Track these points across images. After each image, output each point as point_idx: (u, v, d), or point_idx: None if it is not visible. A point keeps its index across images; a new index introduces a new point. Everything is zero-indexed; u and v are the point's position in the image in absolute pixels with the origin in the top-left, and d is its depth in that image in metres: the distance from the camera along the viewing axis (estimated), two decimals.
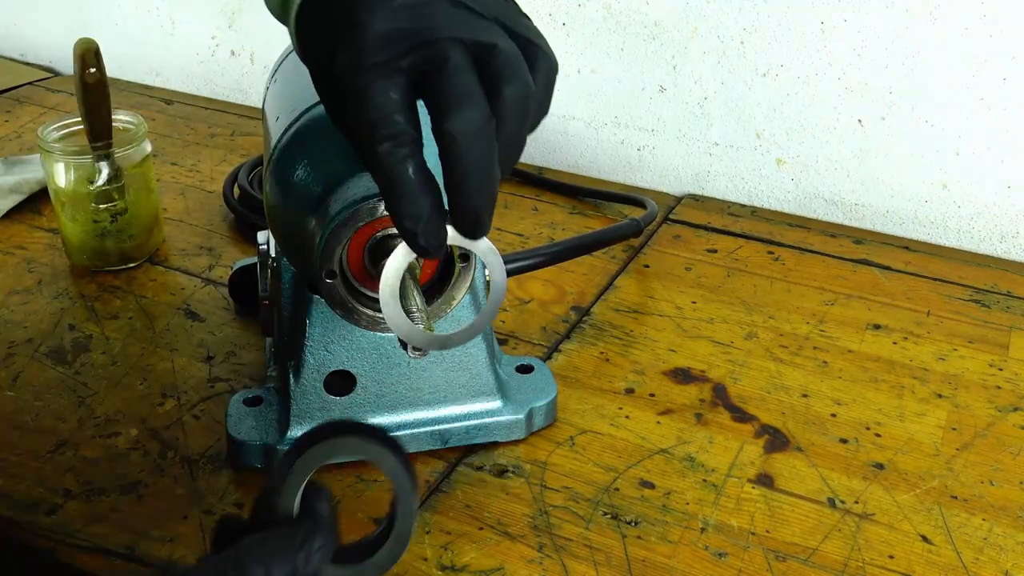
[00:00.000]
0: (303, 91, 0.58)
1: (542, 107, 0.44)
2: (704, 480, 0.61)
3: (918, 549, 0.56)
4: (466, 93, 0.39)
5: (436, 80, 0.40)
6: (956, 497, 0.59)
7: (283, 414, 0.60)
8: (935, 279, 0.84)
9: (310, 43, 0.44)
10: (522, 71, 0.41)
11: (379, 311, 0.53)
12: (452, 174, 0.40)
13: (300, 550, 0.37)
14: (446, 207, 0.42)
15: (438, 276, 0.55)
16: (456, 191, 0.41)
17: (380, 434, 0.39)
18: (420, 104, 0.42)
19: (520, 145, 0.43)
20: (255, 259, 0.73)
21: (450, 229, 0.42)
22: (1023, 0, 0.83)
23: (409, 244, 0.42)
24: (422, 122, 0.41)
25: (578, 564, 0.54)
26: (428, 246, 0.41)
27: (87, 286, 0.82)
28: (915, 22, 0.87)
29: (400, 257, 0.44)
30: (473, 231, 0.42)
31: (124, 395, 0.68)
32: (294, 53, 0.66)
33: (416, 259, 0.49)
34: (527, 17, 0.45)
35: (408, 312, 0.47)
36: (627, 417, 0.66)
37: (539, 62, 0.43)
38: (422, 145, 0.41)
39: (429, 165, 0.41)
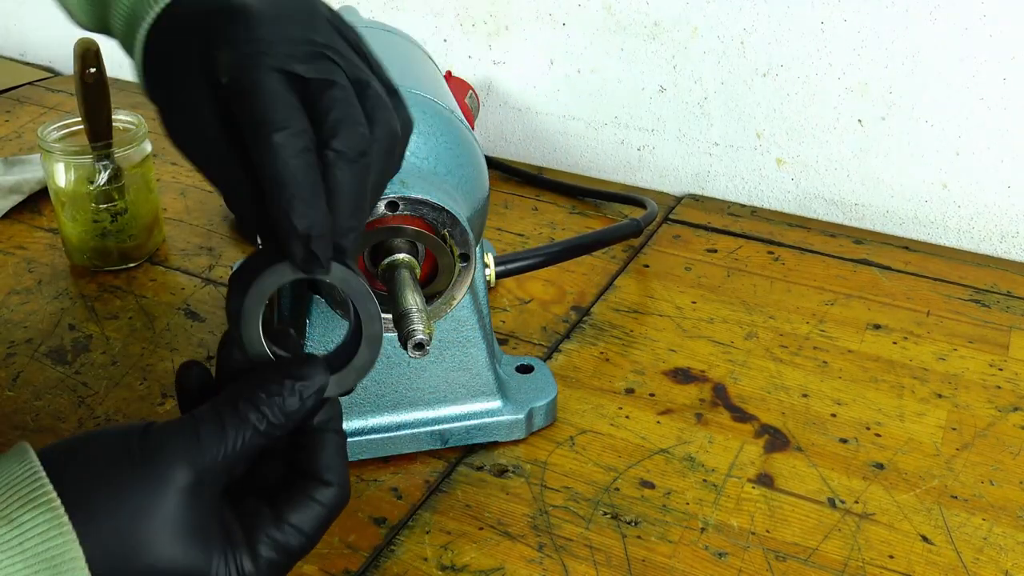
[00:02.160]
0: None
1: (389, 167, 0.42)
2: (704, 480, 0.61)
3: (918, 549, 0.56)
4: (354, 117, 0.38)
5: (326, 95, 0.38)
6: (956, 497, 0.59)
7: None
8: (935, 279, 0.84)
9: (175, 59, 0.41)
10: (356, 119, 0.39)
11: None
12: (334, 194, 0.38)
13: (288, 387, 0.38)
14: None
15: (434, 276, 0.55)
16: (334, 210, 0.38)
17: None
18: None
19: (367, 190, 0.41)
20: None
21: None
22: (1023, 0, 0.83)
23: (293, 253, 0.38)
24: None
25: (578, 564, 0.54)
26: (319, 256, 0.38)
27: (87, 286, 0.82)
28: (915, 22, 0.87)
29: (273, 278, 0.40)
30: (341, 253, 0.40)
31: (124, 395, 0.68)
32: None
33: (407, 258, 0.49)
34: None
35: (407, 312, 0.47)
36: (627, 417, 0.66)
37: (378, 120, 0.40)
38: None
39: None
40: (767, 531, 0.57)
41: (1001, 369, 0.72)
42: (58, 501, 0.33)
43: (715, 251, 0.88)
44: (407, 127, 0.43)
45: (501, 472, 0.61)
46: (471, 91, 1.06)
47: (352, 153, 0.38)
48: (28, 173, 0.97)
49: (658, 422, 0.66)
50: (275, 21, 0.39)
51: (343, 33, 0.42)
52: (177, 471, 0.35)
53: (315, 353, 0.40)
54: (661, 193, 1.01)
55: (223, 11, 0.39)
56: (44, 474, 0.34)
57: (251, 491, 0.40)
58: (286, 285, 0.59)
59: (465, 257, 0.53)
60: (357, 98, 0.39)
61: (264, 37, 0.38)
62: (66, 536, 0.33)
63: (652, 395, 0.68)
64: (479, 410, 0.62)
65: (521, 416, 0.63)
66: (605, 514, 0.58)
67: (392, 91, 0.42)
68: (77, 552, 0.33)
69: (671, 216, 0.95)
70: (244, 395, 0.38)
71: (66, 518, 0.33)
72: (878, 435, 0.65)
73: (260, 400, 0.38)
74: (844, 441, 0.64)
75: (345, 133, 0.38)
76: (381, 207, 0.50)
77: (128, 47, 0.45)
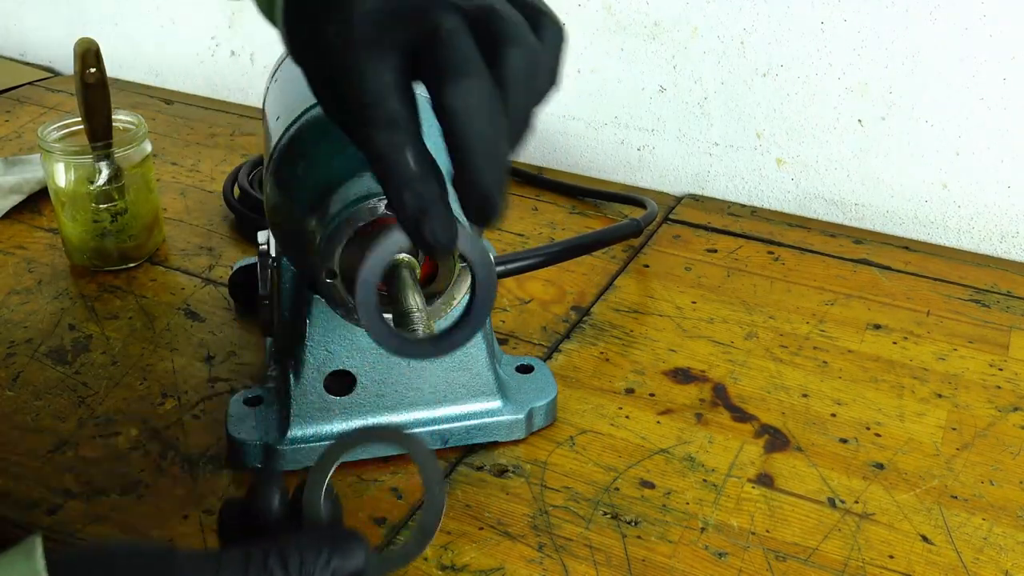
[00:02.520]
0: (303, 91, 0.58)
1: (550, 76, 0.39)
2: (704, 480, 0.61)
3: (918, 549, 0.56)
4: (462, 61, 0.35)
5: (430, 50, 0.36)
6: (956, 497, 0.59)
7: (283, 414, 0.60)
8: (935, 279, 0.84)
9: (296, 31, 0.40)
10: (525, 34, 0.37)
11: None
12: (457, 152, 0.36)
13: (323, 560, 0.36)
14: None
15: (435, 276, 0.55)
16: (462, 170, 0.36)
17: (401, 431, 0.40)
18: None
19: (527, 117, 0.38)
20: (255, 259, 0.73)
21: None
22: (1023, 0, 0.83)
23: (414, 239, 0.37)
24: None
25: (578, 564, 0.54)
26: (435, 240, 0.36)
27: (87, 286, 0.82)
28: (915, 22, 0.87)
29: (386, 248, 0.41)
30: (485, 216, 0.36)
31: (124, 395, 0.68)
32: None
33: (408, 257, 0.49)
34: None
35: (408, 312, 0.47)
36: (627, 417, 0.66)
37: (545, 29, 0.38)
38: (420, 130, 0.37)
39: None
40: (767, 531, 0.57)
41: (1001, 369, 0.72)
42: None
43: (715, 251, 0.88)
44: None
45: (501, 472, 0.61)
46: None
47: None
48: (28, 173, 0.97)
49: (658, 422, 0.66)
50: None
51: None
52: None
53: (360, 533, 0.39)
54: (661, 193, 1.01)
55: None
56: None
57: None
58: (286, 284, 0.59)
59: (464, 257, 0.53)
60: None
61: None
62: None
63: (652, 395, 0.68)
64: (479, 410, 0.62)
65: (521, 416, 0.63)
66: (605, 514, 0.58)
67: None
68: None
69: (671, 216, 0.95)
70: (276, 552, 0.36)
71: None
72: (878, 435, 0.65)
73: (292, 564, 0.36)
74: (844, 441, 0.64)
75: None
76: (381, 207, 0.50)
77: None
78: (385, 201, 0.50)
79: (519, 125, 0.37)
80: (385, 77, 0.36)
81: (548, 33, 0.38)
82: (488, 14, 0.37)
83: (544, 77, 0.38)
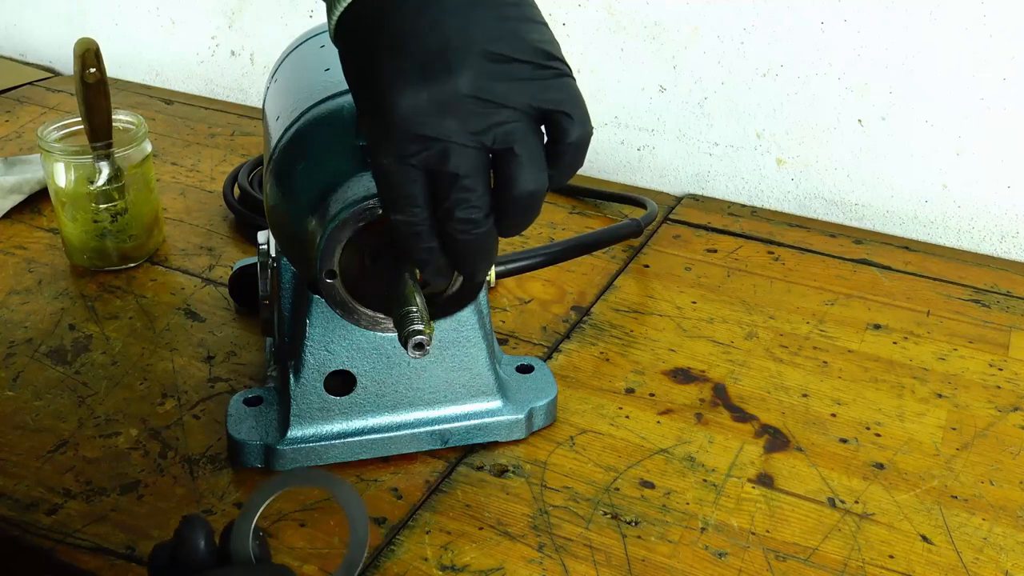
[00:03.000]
0: (303, 91, 0.58)
1: (570, 171, 0.46)
2: (704, 480, 0.61)
3: (918, 549, 0.56)
4: (469, 208, 0.44)
5: (444, 190, 0.43)
6: (956, 497, 0.59)
7: (283, 414, 0.60)
8: (935, 279, 0.84)
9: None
10: (535, 175, 0.44)
11: (380, 311, 0.54)
12: (455, 261, 0.47)
13: None
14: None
15: None
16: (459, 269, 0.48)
17: (327, 473, 0.42)
18: None
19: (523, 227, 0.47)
20: (255, 259, 0.73)
21: None
22: (1023, 0, 0.83)
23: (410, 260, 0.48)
24: None
25: (578, 564, 0.54)
26: (434, 281, 0.48)
27: (87, 286, 0.82)
28: (915, 22, 0.87)
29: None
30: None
31: (124, 395, 0.68)
32: (294, 53, 0.66)
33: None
34: (556, 58, 0.44)
35: (408, 312, 0.47)
36: (627, 417, 0.66)
37: (571, 132, 0.44)
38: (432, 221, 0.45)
39: None
40: (767, 531, 0.57)
41: (1001, 369, 0.72)
42: None
43: (715, 251, 0.88)
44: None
45: (501, 472, 0.61)
46: None
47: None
48: (28, 173, 0.97)
49: (658, 422, 0.66)
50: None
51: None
52: None
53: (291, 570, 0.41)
54: (661, 193, 1.01)
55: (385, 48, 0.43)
56: None
57: None
58: (286, 284, 0.59)
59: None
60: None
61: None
62: None
63: (652, 395, 0.68)
64: (479, 410, 0.62)
65: (521, 416, 0.63)
66: (605, 514, 0.58)
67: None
68: None
69: (671, 216, 0.95)
70: None
71: None
72: (878, 435, 0.65)
73: None
74: (844, 441, 0.64)
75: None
76: (381, 207, 0.50)
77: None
78: None
79: (511, 231, 0.46)
80: (409, 188, 0.44)
81: (573, 137, 0.44)
82: (504, 154, 0.43)
83: (561, 176, 0.46)
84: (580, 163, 0.45)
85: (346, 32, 0.45)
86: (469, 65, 0.42)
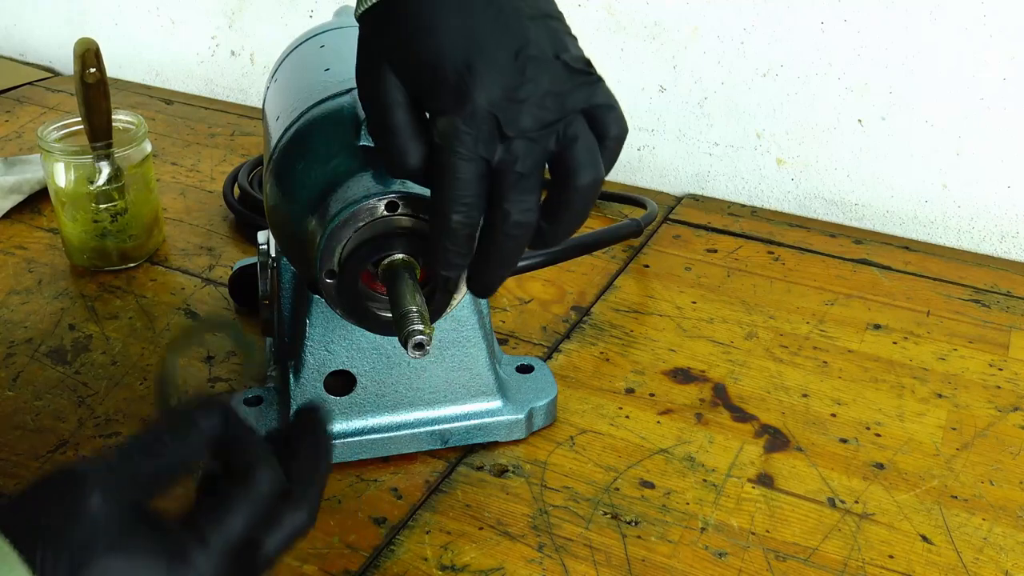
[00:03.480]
0: (303, 91, 0.58)
1: (611, 165, 0.48)
2: (704, 480, 0.61)
3: (918, 549, 0.56)
4: (531, 203, 0.45)
5: (502, 177, 0.44)
6: (956, 497, 0.59)
7: (283, 414, 0.60)
8: (935, 279, 0.84)
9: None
10: (594, 164, 0.45)
11: (378, 311, 0.53)
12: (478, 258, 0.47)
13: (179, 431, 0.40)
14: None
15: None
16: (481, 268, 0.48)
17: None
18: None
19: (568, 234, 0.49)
20: (255, 259, 0.73)
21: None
22: (1023, 0, 0.83)
23: (436, 269, 0.47)
24: None
25: (578, 564, 0.54)
26: (450, 275, 0.47)
27: (87, 286, 0.82)
28: (915, 22, 0.87)
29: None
30: (478, 294, 0.49)
31: (124, 395, 0.68)
32: (294, 53, 0.66)
33: (407, 258, 0.50)
34: (587, 69, 0.47)
35: (407, 312, 0.47)
36: (627, 417, 0.66)
37: (613, 128, 0.46)
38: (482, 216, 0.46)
39: None
40: (767, 531, 0.57)
41: (1001, 369, 0.72)
42: (12, 547, 0.33)
43: (715, 251, 0.88)
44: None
45: (501, 472, 0.61)
46: None
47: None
48: (28, 173, 0.97)
49: (658, 422, 0.66)
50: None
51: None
52: (92, 496, 0.36)
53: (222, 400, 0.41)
54: (661, 193, 1.01)
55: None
56: None
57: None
58: (286, 284, 0.59)
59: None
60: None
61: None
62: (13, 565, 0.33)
63: (652, 395, 0.68)
64: (479, 410, 0.62)
65: (521, 416, 0.63)
66: (605, 514, 0.58)
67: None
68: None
69: (671, 216, 0.95)
70: (136, 439, 0.39)
71: (13, 551, 0.33)
72: (878, 435, 0.65)
73: (149, 442, 0.39)
74: (844, 441, 0.64)
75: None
76: (380, 207, 0.50)
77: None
78: (384, 201, 0.50)
79: (554, 242, 0.47)
80: (472, 180, 0.44)
81: (614, 141, 0.46)
82: (567, 146, 0.45)
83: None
84: (617, 157, 0.48)
85: (382, 18, 0.46)
86: (545, 68, 0.44)
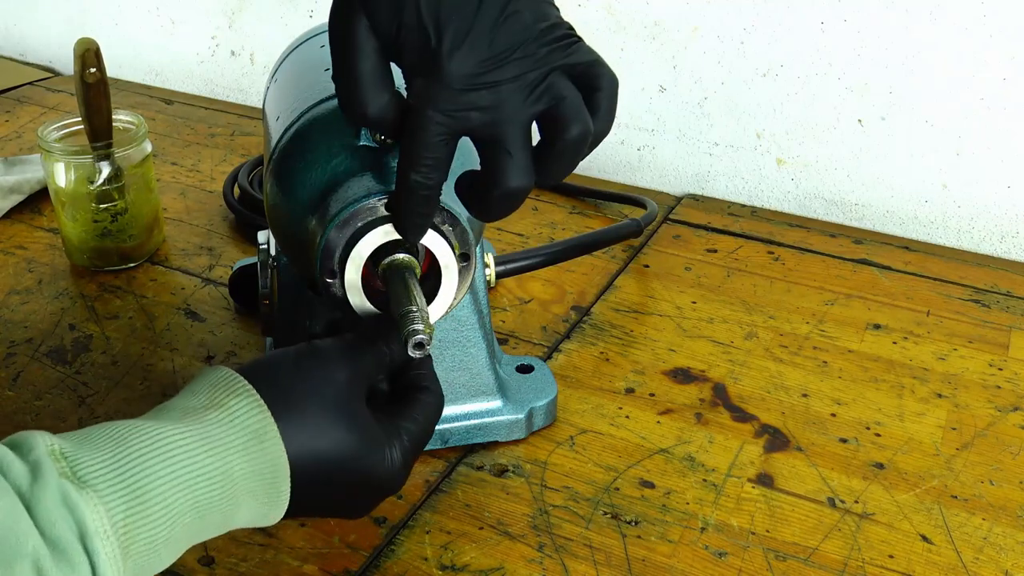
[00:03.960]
0: (303, 91, 0.58)
1: (606, 127, 0.48)
2: (704, 480, 0.61)
3: (918, 549, 0.56)
4: (518, 168, 0.47)
5: (496, 152, 0.46)
6: (956, 497, 0.59)
7: None
8: (935, 279, 0.84)
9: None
10: (582, 118, 0.46)
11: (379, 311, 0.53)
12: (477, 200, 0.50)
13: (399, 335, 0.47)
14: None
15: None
16: (484, 205, 0.50)
17: None
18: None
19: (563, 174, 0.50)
20: (255, 259, 0.73)
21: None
22: (1023, 0, 0.83)
23: (396, 227, 0.49)
24: None
25: (578, 564, 0.54)
26: (408, 237, 0.49)
27: (87, 286, 0.82)
28: (915, 22, 0.87)
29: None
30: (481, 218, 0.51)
31: (124, 395, 0.68)
32: (294, 53, 0.66)
33: (407, 257, 0.50)
34: (566, 32, 0.46)
35: (407, 312, 0.47)
36: (627, 417, 0.66)
37: (604, 80, 0.46)
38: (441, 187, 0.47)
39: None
40: (767, 531, 0.57)
41: (1001, 369, 0.72)
42: (255, 391, 0.42)
43: (715, 251, 0.88)
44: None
45: (501, 472, 0.61)
46: None
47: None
48: (28, 173, 0.97)
49: (658, 422, 0.66)
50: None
51: None
52: (339, 373, 0.46)
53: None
54: (661, 193, 1.01)
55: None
56: (238, 375, 0.43)
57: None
58: (287, 283, 0.59)
59: (465, 257, 0.53)
60: None
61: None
62: (265, 414, 0.42)
63: (652, 395, 0.68)
64: (479, 410, 0.62)
65: (521, 416, 0.63)
66: (605, 514, 0.58)
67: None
68: (274, 427, 0.42)
69: (671, 216, 0.95)
70: (372, 333, 0.49)
71: (263, 402, 0.42)
72: (878, 435, 0.65)
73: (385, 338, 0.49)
74: (844, 441, 0.64)
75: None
76: (380, 208, 0.50)
77: None
78: (384, 201, 0.50)
79: (549, 182, 0.49)
80: (441, 146, 0.45)
81: (605, 95, 0.46)
82: (558, 104, 0.45)
83: (593, 141, 0.47)
84: (614, 111, 0.47)
85: None
86: (523, 32, 0.44)
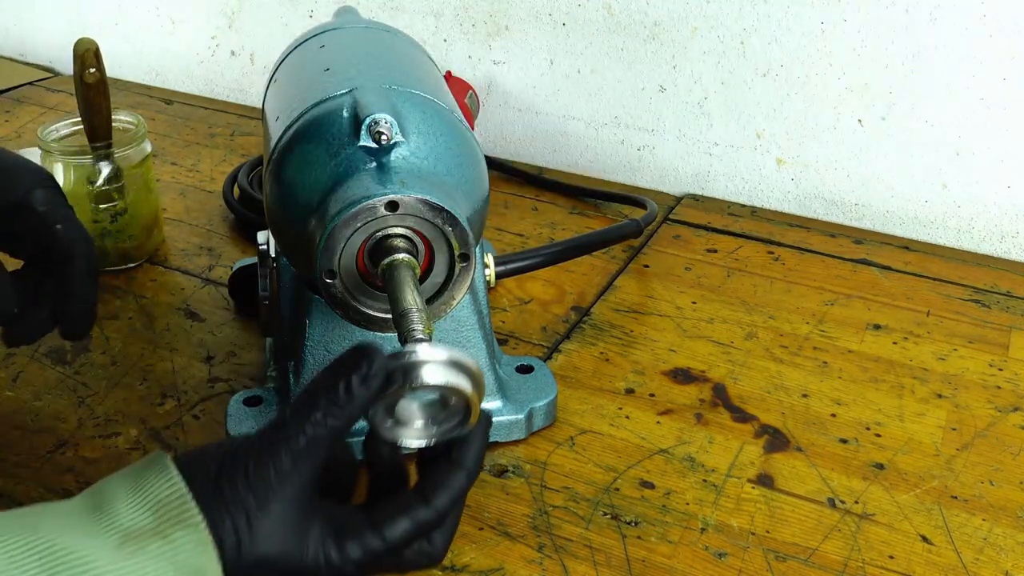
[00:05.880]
0: (303, 91, 0.58)
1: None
2: (704, 480, 0.61)
3: (918, 549, 0.56)
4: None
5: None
6: (956, 497, 0.59)
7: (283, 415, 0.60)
8: (935, 279, 0.84)
9: None
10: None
11: (378, 311, 0.53)
12: None
13: (343, 385, 0.42)
14: None
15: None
16: None
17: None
18: None
19: None
20: (255, 259, 0.73)
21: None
22: (1023, 0, 0.83)
23: None
24: None
25: (578, 564, 0.54)
26: None
27: None
28: (915, 22, 0.87)
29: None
30: None
31: (124, 395, 0.68)
32: (294, 53, 0.66)
33: (407, 257, 0.50)
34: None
35: (407, 311, 0.47)
36: (627, 417, 0.66)
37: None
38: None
39: None
40: (767, 531, 0.57)
41: (1001, 369, 0.72)
42: (204, 522, 0.39)
43: (715, 251, 0.88)
44: None
45: (501, 472, 0.61)
46: (471, 91, 1.05)
47: None
48: None
49: (658, 422, 0.66)
50: None
51: None
52: (276, 492, 0.41)
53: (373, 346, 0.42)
54: (661, 193, 1.01)
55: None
56: (190, 495, 0.39)
57: (338, 500, 0.46)
58: (286, 284, 0.59)
59: (465, 257, 0.53)
60: None
61: None
62: (210, 553, 0.39)
63: (652, 395, 0.68)
64: None
65: (521, 416, 0.63)
66: (605, 514, 0.58)
67: None
68: (217, 565, 0.39)
69: (671, 216, 0.95)
70: (305, 402, 0.42)
71: (210, 537, 0.39)
72: (878, 435, 0.65)
73: (318, 402, 0.42)
74: (844, 441, 0.64)
75: None
76: (380, 208, 0.50)
77: None
78: (384, 201, 0.50)
79: None
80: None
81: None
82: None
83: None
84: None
85: None
86: None
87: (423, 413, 0.45)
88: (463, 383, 0.43)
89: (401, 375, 0.43)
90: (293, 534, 0.41)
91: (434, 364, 0.43)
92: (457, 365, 0.43)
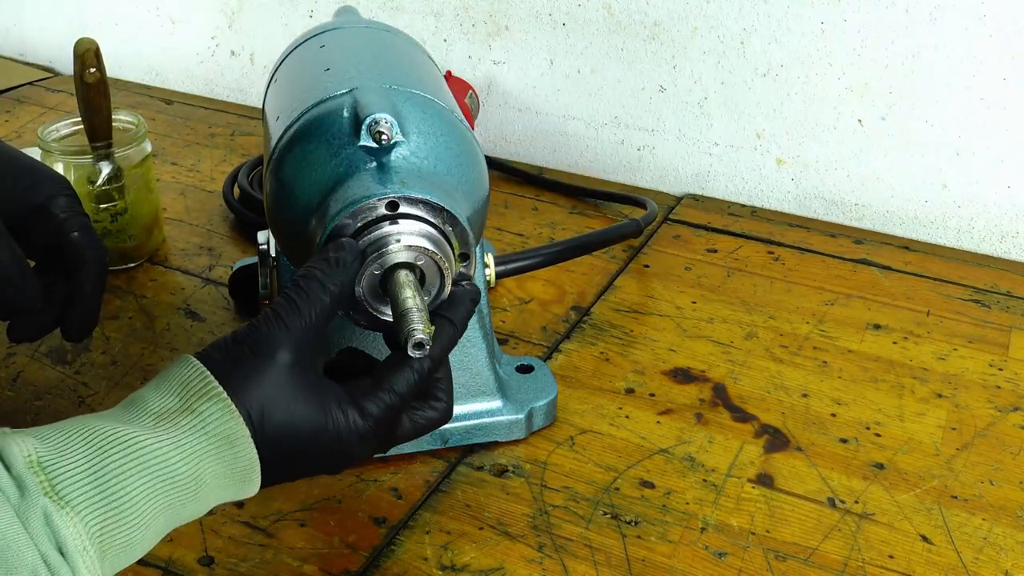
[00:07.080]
0: (303, 91, 0.58)
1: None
2: (704, 480, 0.61)
3: (918, 549, 0.56)
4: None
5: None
6: (956, 497, 0.59)
7: None
8: (935, 279, 0.84)
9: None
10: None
11: (378, 311, 0.53)
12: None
13: (332, 259, 0.47)
14: None
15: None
16: None
17: None
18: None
19: None
20: (255, 259, 0.73)
21: None
22: (1023, 0, 0.83)
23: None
24: None
25: (578, 564, 0.54)
26: None
27: None
28: (915, 22, 0.87)
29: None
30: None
31: (124, 395, 0.67)
32: (294, 53, 0.66)
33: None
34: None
35: (407, 311, 0.47)
36: (627, 417, 0.66)
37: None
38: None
39: None
40: (767, 531, 0.57)
41: (1001, 369, 0.72)
42: (225, 393, 0.43)
43: (715, 251, 0.88)
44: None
45: (501, 472, 0.61)
46: (471, 91, 1.05)
47: None
48: None
49: (658, 422, 0.66)
50: None
51: None
52: (280, 353, 0.45)
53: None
54: (661, 193, 1.01)
55: None
56: (211, 374, 0.43)
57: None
58: (286, 281, 0.59)
59: (465, 256, 0.53)
60: None
61: None
62: (237, 419, 0.43)
63: (652, 395, 0.68)
64: (479, 410, 0.62)
65: (521, 416, 0.63)
66: (605, 514, 0.58)
67: None
68: (245, 430, 0.43)
69: (671, 216, 0.95)
70: (305, 277, 0.47)
71: (233, 405, 0.43)
72: (878, 435, 0.65)
73: (314, 276, 0.47)
74: (844, 441, 0.64)
75: None
76: (381, 207, 0.50)
77: None
78: (384, 201, 0.50)
79: None
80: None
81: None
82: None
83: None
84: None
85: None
86: None
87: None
88: (427, 244, 0.49)
89: (374, 249, 0.48)
90: (314, 398, 0.45)
91: (400, 235, 0.48)
92: (424, 236, 0.49)
